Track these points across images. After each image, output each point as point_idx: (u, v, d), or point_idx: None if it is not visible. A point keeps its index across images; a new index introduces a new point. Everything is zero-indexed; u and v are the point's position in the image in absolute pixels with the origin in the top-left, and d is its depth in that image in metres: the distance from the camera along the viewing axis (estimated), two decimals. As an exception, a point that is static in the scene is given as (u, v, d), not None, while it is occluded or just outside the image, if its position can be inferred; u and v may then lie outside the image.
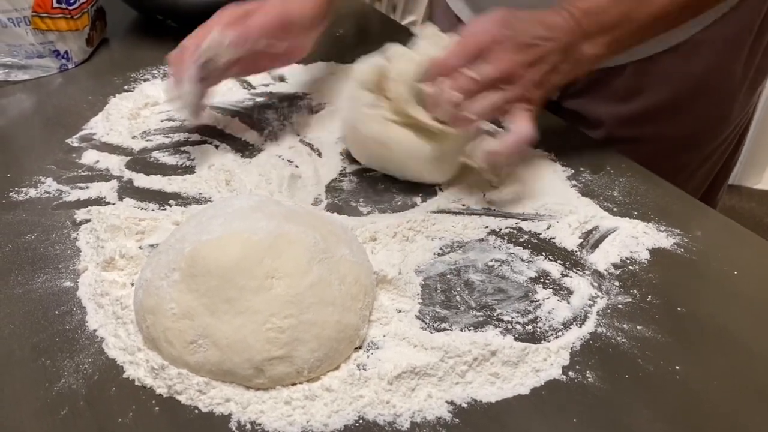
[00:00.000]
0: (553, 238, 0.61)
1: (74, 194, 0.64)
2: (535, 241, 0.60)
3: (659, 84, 0.77)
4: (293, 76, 0.85)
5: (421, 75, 0.61)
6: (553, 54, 0.60)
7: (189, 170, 0.69)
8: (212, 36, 0.66)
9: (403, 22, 1.97)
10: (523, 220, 0.63)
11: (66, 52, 0.87)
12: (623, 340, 0.51)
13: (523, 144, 0.59)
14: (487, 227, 0.62)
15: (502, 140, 0.60)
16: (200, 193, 0.65)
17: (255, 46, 0.68)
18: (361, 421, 0.44)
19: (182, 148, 0.72)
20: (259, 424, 0.44)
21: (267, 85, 0.84)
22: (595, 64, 0.64)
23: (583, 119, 0.83)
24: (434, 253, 0.59)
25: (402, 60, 0.63)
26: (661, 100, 0.78)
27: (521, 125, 0.59)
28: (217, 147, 0.73)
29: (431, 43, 0.63)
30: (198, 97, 0.68)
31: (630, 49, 0.69)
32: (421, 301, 0.54)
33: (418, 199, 0.66)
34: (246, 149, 0.72)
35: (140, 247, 0.57)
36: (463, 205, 0.65)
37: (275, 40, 0.70)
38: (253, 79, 0.85)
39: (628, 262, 0.58)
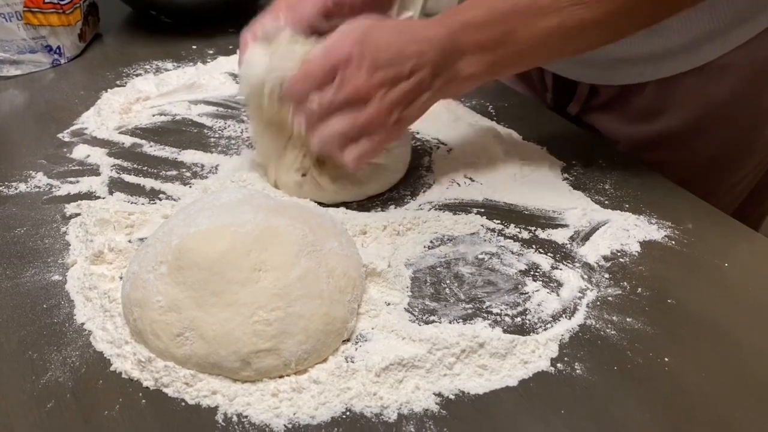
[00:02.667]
0: (544, 231, 0.60)
1: (64, 188, 0.64)
2: (526, 234, 0.60)
3: (678, 107, 0.74)
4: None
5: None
6: (421, 71, 0.56)
7: (179, 164, 0.69)
8: (266, 22, 0.63)
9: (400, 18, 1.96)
10: (516, 213, 0.63)
11: (58, 47, 0.87)
12: (612, 332, 0.51)
13: (355, 165, 0.58)
14: (480, 224, 0.61)
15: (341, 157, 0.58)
16: (190, 187, 0.65)
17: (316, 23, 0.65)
18: (348, 413, 0.44)
19: (173, 143, 0.72)
20: (246, 417, 0.44)
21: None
22: (473, 84, 0.60)
23: (602, 137, 0.80)
24: (424, 246, 0.58)
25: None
26: (679, 123, 0.75)
27: (359, 146, 0.57)
28: (207, 140, 0.73)
29: (287, 50, 0.59)
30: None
31: (652, 63, 0.65)
32: (410, 293, 0.53)
33: (408, 195, 0.65)
34: (231, 142, 0.72)
35: (129, 241, 0.57)
36: (455, 200, 0.64)
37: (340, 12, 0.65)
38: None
39: (619, 254, 0.58)
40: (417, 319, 0.51)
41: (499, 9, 0.58)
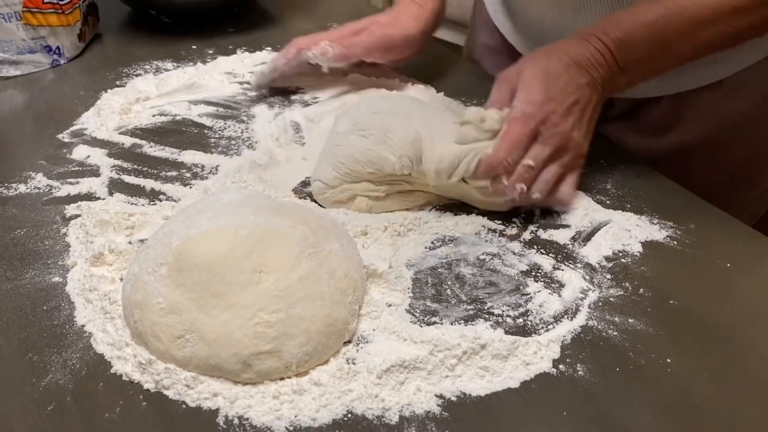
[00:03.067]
0: (546, 232, 0.60)
1: (64, 189, 0.64)
2: (527, 234, 0.60)
3: (693, 121, 0.74)
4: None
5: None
6: (593, 95, 0.60)
7: (180, 165, 0.68)
8: (321, 46, 0.73)
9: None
10: (517, 214, 0.63)
11: (58, 47, 0.86)
12: (614, 333, 0.50)
13: (558, 201, 0.61)
14: (481, 224, 0.61)
15: (536, 190, 0.59)
16: (190, 188, 0.65)
17: (354, 62, 0.77)
18: (349, 416, 0.44)
19: (173, 143, 0.72)
20: (247, 419, 0.43)
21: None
22: (626, 88, 0.64)
23: (614, 147, 0.80)
24: (425, 247, 0.58)
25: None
26: (693, 138, 0.75)
27: (566, 189, 0.61)
28: (207, 141, 0.72)
29: (474, 129, 0.59)
30: (272, 77, 0.78)
31: (668, 78, 0.67)
32: (411, 294, 0.53)
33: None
34: (232, 142, 0.72)
35: (130, 242, 0.57)
36: (456, 200, 0.64)
37: (376, 57, 0.77)
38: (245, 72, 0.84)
39: (621, 255, 0.58)
40: (418, 320, 0.51)
41: (659, 24, 0.60)
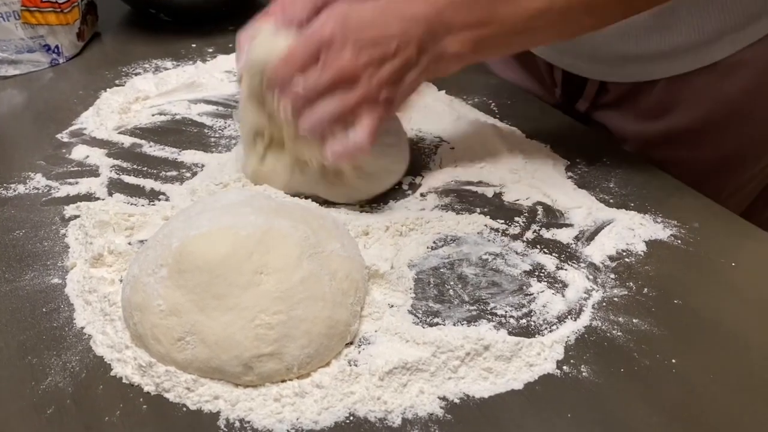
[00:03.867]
0: (549, 231, 0.60)
1: (63, 190, 0.64)
2: (530, 234, 0.60)
3: (689, 105, 0.73)
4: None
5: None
6: (407, 48, 0.55)
7: (180, 165, 0.68)
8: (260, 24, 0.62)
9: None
10: (520, 213, 0.62)
11: (57, 46, 0.86)
12: (619, 333, 0.50)
13: (354, 151, 0.56)
14: (483, 224, 0.61)
15: (332, 147, 0.56)
16: (190, 188, 0.64)
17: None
18: (351, 418, 0.43)
19: (173, 142, 0.71)
20: (248, 422, 0.43)
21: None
22: (460, 63, 0.59)
23: (610, 134, 0.80)
24: (428, 247, 0.58)
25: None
26: (689, 121, 0.74)
27: (356, 131, 0.55)
28: (207, 140, 0.72)
29: (264, 49, 0.58)
30: None
31: (662, 61, 0.64)
32: (413, 295, 0.53)
33: (410, 195, 0.65)
34: (232, 141, 0.72)
35: (129, 243, 0.56)
36: (458, 199, 0.64)
37: None
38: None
39: (624, 254, 0.57)
40: (421, 321, 0.51)
41: None
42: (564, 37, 0.64)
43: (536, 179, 0.66)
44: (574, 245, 0.58)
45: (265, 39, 0.59)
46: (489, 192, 0.65)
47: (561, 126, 0.76)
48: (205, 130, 0.74)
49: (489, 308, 0.52)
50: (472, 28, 0.57)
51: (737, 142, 0.75)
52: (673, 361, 0.48)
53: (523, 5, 0.57)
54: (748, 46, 0.69)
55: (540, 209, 0.63)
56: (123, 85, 0.82)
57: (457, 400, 0.45)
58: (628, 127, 0.78)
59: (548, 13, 0.57)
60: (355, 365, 0.46)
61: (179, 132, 0.74)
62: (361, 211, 0.62)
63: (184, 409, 0.44)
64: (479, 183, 0.66)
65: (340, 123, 0.56)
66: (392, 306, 0.52)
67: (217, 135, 0.73)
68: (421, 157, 0.70)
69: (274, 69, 0.56)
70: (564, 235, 0.59)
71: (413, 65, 0.56)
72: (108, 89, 0.80)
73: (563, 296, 0.53)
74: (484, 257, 0.57)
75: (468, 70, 0.87)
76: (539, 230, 0.60)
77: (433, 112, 0.77)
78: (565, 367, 0.47)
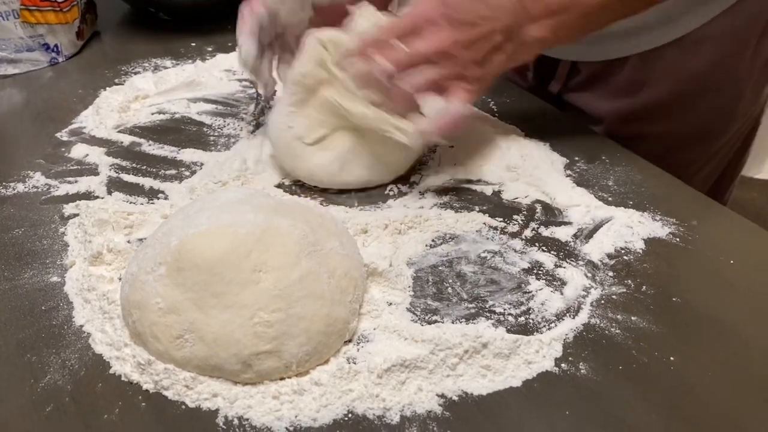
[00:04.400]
0: (547, 229, 0.60)
1: (63, 188, 0.64)
2: (529, 231, 0.60)
3: (660, 79, 0.76)
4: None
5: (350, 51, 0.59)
6: (495, 34, 0.58)
7: (179, 163, 0.68)
8: None
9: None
10: (518, 211, 0.62)
11: (56, 45, 0.86)
12: (617, 331, 0.50)
13: (456, 122, 0.58)
14: (482, 222, 0.61)
15: (434, 119, 0.58)
16: (189, 187, 0.64)
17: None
18: (350, 415, 0.43)
19: (172, 141, 0.71)
20: (247, 419, 0.43)
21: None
22: (540, 48, 0.63)
23: (584, 115, 0.81)
24: (426, 245, 0.58)
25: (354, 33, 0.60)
26: (661, 95, 0.76)
27: (455, 103, 0.58)
28: (206, 139, 0.72)
29: (368, 23, 0.61)
30: (255, 58, 0.67)
31: (632, 38, 0.66)
32: (412, 293, 0.53)
33: (409, 193, 0.65)
34: (231, 140, 0.72)
35: (128, 242, 0.56)
36: (457, 197, 0.64)
37: None
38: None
39: (623, 252, 0.57)
40: (419, 318, 0.51)
41: None
42: (636, 11, 0.66)
43: (535, 177, 0.66)
44: (572, 243, 0.58)
45: (368, 14, 0.61)
46: (488, 190, 0.65)
47: (559, 125, 0.77)
48: (204, 129, 0.74)
49: (487, 306, 0.52)
50: (552, 15, 0.60)
51: (706, 113, 0.78)
52: (672, 358, 0.48)
53: None
54: (713, 20, 0.71)
55: (539, 207, 0.63)
56: (122, 84, 0.82)
57: (455, 398, 0.45)
58: (603, 105, 0.80)
59: None
60: (354, 363, 0.46)
61: (178, 131, 0.74)
62: (360, 210, 0.62)
63: (183, 406, 0.44)
64: (478, 181, 0.66)
65: (432, 90, 0.58)
66: (391, 304, 0.52)
67: (216, 134, 0.73)
68: (420, 155, 0.70)
69: (376, 33, 0.58)
70: (563, 233, 0.59)
71: (500, 49, 0.60)
72: (107, 88, 0.80)
73: (562, 294, 0.53)
74: (483, 255, 0.57)
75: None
76: (538, 228, 0.60)
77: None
78: (563, 365, 0.47)
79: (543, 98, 0.82)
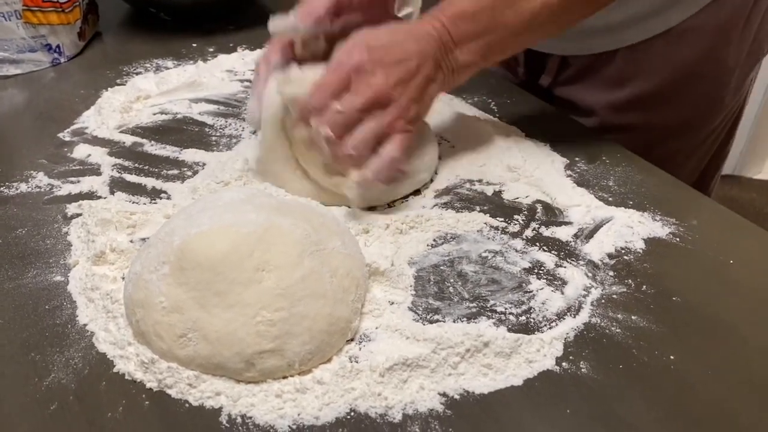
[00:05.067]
0: (548, 229, 0.60)
1: (65, 188, 0.64)
2: (530, 231, 0.60)
3: (649, 71, 0.77)
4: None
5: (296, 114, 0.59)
6: (425, 65, 0.58)
7: (181, 163, 0.68)
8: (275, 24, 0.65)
9: (400, 14, 1.95)
10: (519, 211, 0.62)
11: (58, 46, 0.86)
12: (617, 330, 0.50)
13: (389, 168, 0.58)
14: (483, 221, 0.61)
15: (369, 167, 0.57)
16: (192, 187, 0.64)
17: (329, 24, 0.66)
18: (352, 414, 0.44)
19: (174, 141, 0.72)
20: (250, 418, 0.43)
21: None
22: (472, 71, 0.63)
23: (575, 107, 0.82)
24: (428, 245, 0.58)
25: (295, 86, 0.59)
26: (651, 86, 0.78)
27: (389, 149, 0.57)
28: (208, 139, 0.72)
29: (300, 88, 0.59)
30: (258, 119, 0.65)
31: (620, 31, 0.66)
32: (414, 292, 0.53)
33: (410, 193, 0.65)
34: (233, 140, 0.72)
35: (131, 241, 0.57)
36: (458, 197, 0.64)
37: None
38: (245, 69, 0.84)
39: (623, 251, 0.58)
40: (421, 318, 0.51)
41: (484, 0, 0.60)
42: (563, 28, 0.66)
43: (535, 177, 0.66)
44: (573, 243, 0.59)
45: (295, 76, 0.60)
46: (489, 190, 0.65)
47: (560, 125, 0.77)
48: (206, 129, 0.74)
49: (489, 305, 0.52)
50: (478, 38, 0.60)
51: (695, 102, 0.80)
52: (672, 357, 0.48)
53: (523, 6, 0.60)
54: (699, 11, 0.73)
55: (539, 207, 0.63)
56: (124, 85, 0.82)
57: (457, 396, 0.45)
58: (592, 99, 0.81)
59: (545, 9, 0.60)
60: (356, 362, 0.47)
61: (180, 131, 0.74)
62: (361, 210, 0.62)
63: (187, 405, 0.44)
64: (479, 181, 0.66)
65: (378, 142, 0.58)
66: (393, 303, 0.52)
67: (218, 134, 0.73)
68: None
69: (309, 96, 0.57)
70: (563, 233, 0.60)
71: (432, 80, 0.60)
72: (109, 88, 0.80)
73: (562, 293, 0.53)
74: (484, 255, 0.57)
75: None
76: (539, 228, 0.60)
77: (432, 111, 0.77)
78: (564, 364, 0.48)
79: (534, 92, 0.83)
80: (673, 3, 0.72)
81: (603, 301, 0.53)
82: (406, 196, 0.64)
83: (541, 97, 0.82)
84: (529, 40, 0.67)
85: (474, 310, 0.52)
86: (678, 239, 0.59)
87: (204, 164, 0.68)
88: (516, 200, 0.64)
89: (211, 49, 0.91)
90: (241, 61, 0.88)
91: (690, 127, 0.81)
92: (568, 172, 0.68)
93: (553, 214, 0.62)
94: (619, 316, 0.51)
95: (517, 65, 0.90)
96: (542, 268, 0.56)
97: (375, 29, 0.60)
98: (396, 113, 0.58)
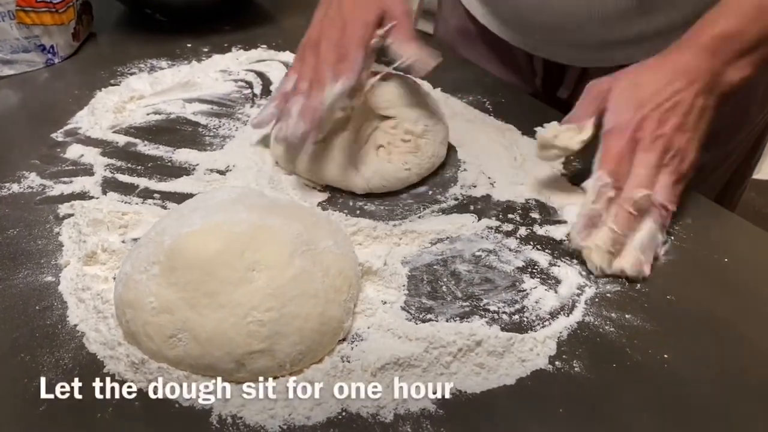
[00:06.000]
0: (542, 228, 0.60)
1: (58, 189, 0.64)
2: (524, 230, 0.60)
3: None
4: (281, 70, 0.85)
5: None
6: (698, 98, 0.57)
7: (173, 163, 0.68)
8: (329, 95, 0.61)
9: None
10: (514, 210, 0.62)
11: (52, 46, 0.86)
12: (611, 329, 0.50)
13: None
14: (477, 220, 0.61)
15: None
16: (184, 187, 0.64)
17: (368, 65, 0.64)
18: (344, 414, 0.43)
19: (167, 141, 0.71)
20: (241, 418, 0.43)
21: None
22: (743, 86, 0.61)
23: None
24: (421, 244, 0.58)
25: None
26: None
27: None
28: (201, 139, 0.72)
29: (551, 148, 0.61)
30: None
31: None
32: (407, 292, 0.53)
33: (405, 192, 0.65)
34: (226, 140, 0.72)
35: (123, 241, 0.56)
36: (453, 196, 0.64)
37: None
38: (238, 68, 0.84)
39: (617, 250, 0.57)
40: (413, 317, 0.51)
41: (747, 14, 0.58)
42: None
43: (530, 176, 0.66)
44: (567, 241, 0.58)
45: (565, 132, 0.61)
46: (483, 189, 0.65)
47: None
48: (200, 129, 0.74)
49: (482, 304, 0.52)
50: (749, 53, 0.58)
51: (720, 116, 0.76)
52: (665, 356, 0.48)
53: None
54: None
55: (534, 206, 0.63)
56: (118, 85, 0.81)
57: (449, 396, 0.45)
58: None
59: None
60: (348, 361, 0.47)
61: (173, 131, 0.74)
62: (355, 209, 0.62)
63: (177, 405, 0.44)
64: (473, 179, 0.66)
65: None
66: (385, 302, 0.52)
67: (211, 134, 0.73)
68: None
69: (608, 172, 0.56)
70: (557, 232, 0.59)
71: (707, 109, 0.59)
72: (103, 89, 0.80)
73: (556, 292, 0.53)
74: (478, 254, 0.57)
75: (462, 69, 0.88)
76: (532, 227, 0.60)
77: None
78: (557, 363, 0.47)
79: (551, 104, 0.81)
80: (697, 16, 0.67)
81: (597, 299, 0.53)
82: (406, 189, 0.64)
83: (558, 109, 0.80)
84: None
85: (467, 309, 0.51)
86: (672, 237, 0.59)
87: (197, 164, 0.68)
88: (510, 199, 0.64)
89: (206, 49, 0.91)
90: (236, 61, 0.87)
91: (717, 141, 0.77)
92: (563, 171, 0.68)
93: (547, 213, 0.62)
94: (612, 314, 0.51)
95: (534, 76, 0.88)
96: (536, 267, 0.56)
97: (634, 74, 0.59)
98: (682, 158, 0.57)
